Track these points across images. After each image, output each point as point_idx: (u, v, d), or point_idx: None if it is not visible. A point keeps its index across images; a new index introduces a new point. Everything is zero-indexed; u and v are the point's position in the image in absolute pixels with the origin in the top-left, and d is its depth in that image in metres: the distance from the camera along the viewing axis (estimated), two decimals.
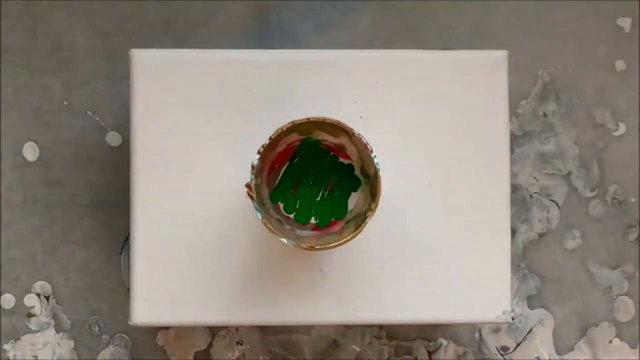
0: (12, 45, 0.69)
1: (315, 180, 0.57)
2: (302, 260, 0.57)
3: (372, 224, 0.53)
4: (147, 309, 0.57)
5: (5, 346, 0.68)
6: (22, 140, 0.68)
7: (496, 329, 0.70)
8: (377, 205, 0.52)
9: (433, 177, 0.58)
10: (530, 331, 0.70)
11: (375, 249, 0.57)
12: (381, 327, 0.69)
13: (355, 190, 0.57)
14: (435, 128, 0.58)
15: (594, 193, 0.70)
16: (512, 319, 0.58)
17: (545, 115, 0.70)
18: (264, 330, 0.69)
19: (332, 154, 0.57)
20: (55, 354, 0.68)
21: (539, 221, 0.70)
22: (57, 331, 0.68)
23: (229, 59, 0.58)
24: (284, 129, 0.52)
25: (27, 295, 0.68)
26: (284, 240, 0.52)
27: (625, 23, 0.70)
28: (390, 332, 0.70)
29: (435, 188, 0.58)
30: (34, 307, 0.68)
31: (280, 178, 0.57)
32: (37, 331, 0.68)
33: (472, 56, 0.59)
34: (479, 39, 0.70)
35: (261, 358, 0.69)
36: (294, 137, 0.55)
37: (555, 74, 0.70)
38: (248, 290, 0.57)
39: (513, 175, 0.70)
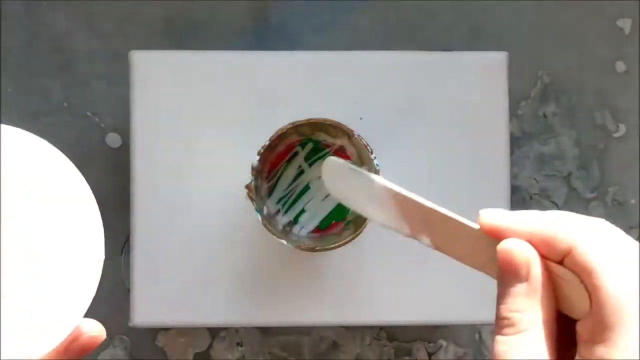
0: (12, 46, 0.69)
1: None
2: (302, 261, 0.57)
3: (372, 225, 0.53)
4: (147, 310, 0.57)
5: None
6: None
7: None
8: None
9: (433, 178, 0.58)
10: None
11: (376, 250, 0.57)
12: (381, 328, 0.69)
13: None
14: (435, 129, 0.58)
15: (594, 194, 0.70)
16: None
17: (545, 116, 0.70)
18: (264, 332, 0.69)
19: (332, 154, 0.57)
20: None
21: None
22: None
23: (229, 60, 0.58)
24: (284, 130, 0.52)
25: None
26: (284, 241, 0.52)
27: (626, 24, 0.70)
28: (390, 333, 0.69)
29: (435, 189, 0.58)
30: None
31: (280, 179, 0.57)
32: None
33: (472, 57, 0.59)
34: (479, 40, 0.70)
35: (261, 359, 0.69)
36: (294, 138, 0.55)
37: (556, 75, 0.70)
38: (248, 291, 0.57)
39: (513, 176, 0.70)
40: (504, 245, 0.35)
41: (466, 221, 0.38)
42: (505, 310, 0.34)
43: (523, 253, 0.34)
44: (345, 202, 0.45)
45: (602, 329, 0.32)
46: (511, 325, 0.34)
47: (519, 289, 0.34)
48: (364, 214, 0.43)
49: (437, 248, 0.40)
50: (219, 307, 0.57)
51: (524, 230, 0.35)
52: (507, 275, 0.35)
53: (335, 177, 0.44)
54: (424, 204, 0.40)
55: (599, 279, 0.32)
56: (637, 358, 0.31)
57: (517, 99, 0.70)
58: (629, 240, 0.34)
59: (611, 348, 0.31)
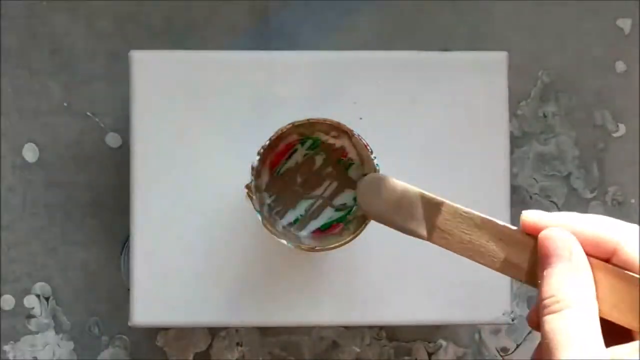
0: (12, 46, 0.69)
1: None
2: (302, 261, 0.57)
3: (372, 225, 0.53)
4: (146, 310, 0.57)
5: (5, 347, 0.68)
6: (21, 141, 0.68)
7: (496, 330, 0.70)
8: None
9: (433, 178, 0.58)
10: (530, 332, 0.70)
11: (376, 250, 0.57)
12: (381, 328, 0.69)
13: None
14: (435, 129, 0.58)
15: (593, 194, 0.70)
16: (512, 320, 0.58)
17: (545, 116, 0.70)
18: (264, 332, 0.69)
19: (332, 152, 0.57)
20: (55, 355, 0.68)
21: None
22: (57, 332, 0.68)
23: (229, 60, 0.58)
24: (284, 130, 0.52)
25: (27, 297, 0.68)
26: (284, 241, 0.52)
27: (625, 24, 0.70)
28: (390, 333, 0.69)
29: (435, 189, 0.58)
30: (33, 308, 0.68)
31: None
32: (37, 332, 0.68)
33: (471, 57, 0.59)
34: (479, 40, 0.70)
35: (261, 359, 0.69)
36: (294, 138, 0.55)
37: (555, 75, 0.70)
38: (248, 291, 0.57)
39: (513, 176, 0.70)
40: (546, 232, 0.38)
41: (503, 223, 0.42)
42: (549, 290, 0.36)
43: (565, 235, 0.37)
44: (377, 219, 0.48)
45: None
46: (555, 302, 0.35)
47: (560, 268, 0.36)
48: (393, 225, 0.46)
49: (451, 248, 0.43)
50: (219, 307, 0.57)
51: (568, 229, 0.38)
52: (549, 256, 0.37)
53: (369, 195, 0.48)
54: (457, 207, 0.44)
55: None
56: None
57: (517, 99, 0.70)
58: None
59: None
